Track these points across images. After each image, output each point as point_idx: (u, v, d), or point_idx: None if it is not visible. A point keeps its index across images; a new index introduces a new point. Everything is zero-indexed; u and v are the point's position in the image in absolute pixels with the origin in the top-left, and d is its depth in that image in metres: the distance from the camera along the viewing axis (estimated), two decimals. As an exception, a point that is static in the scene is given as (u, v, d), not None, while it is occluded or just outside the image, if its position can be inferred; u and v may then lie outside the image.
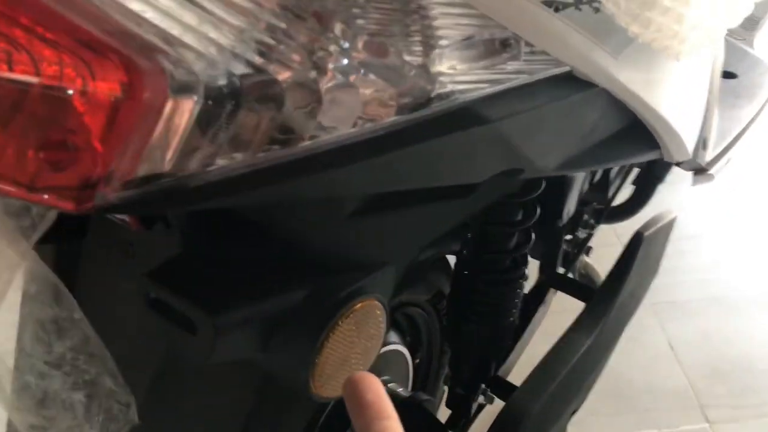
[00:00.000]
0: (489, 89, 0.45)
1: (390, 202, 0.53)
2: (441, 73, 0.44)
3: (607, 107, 0.58)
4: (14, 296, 0.49)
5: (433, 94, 0.42)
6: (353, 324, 0.52)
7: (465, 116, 0.44)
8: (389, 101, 0.40)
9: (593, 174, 1.12)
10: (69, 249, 0.63)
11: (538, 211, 0.84)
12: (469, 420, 1.05)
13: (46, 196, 0.36)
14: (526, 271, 1.09)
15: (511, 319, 0.89)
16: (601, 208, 1.31)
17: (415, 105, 0.42)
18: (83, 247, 0.62)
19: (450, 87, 0.45)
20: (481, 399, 0.98)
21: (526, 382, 0.89)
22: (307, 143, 0.39)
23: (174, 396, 0.56)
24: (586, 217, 1.27)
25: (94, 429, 0.49)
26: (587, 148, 0.62)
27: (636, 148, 0.70)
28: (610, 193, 1.31)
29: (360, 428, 0.41)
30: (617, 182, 1.30)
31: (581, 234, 1.29)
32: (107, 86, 0.34)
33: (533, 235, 0.86)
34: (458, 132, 0.44)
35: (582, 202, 1.28)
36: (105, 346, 0.52)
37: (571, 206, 1.06)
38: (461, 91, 0.43)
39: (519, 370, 1.03)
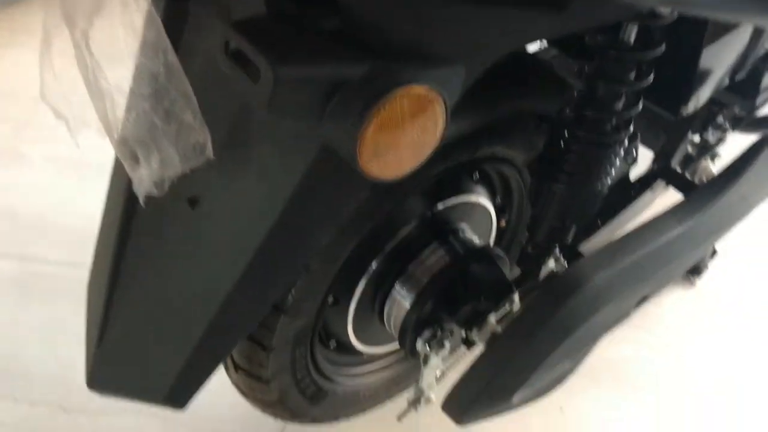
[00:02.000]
0: None
1: (469, -6, 0.52)
2: None
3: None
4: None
5: None
6: (406, 108, 0.53)
7: None
8: None
9: (735, 71, 1.02)
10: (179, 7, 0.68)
11: (652, 75, 0.79)
12: (537, 284, 1.06)
13: None
14: (635, 154, 1.05)
15: (600, 187, 0.86)
16: (742, 115, 1.20)
17: None
18: (190, 7, 0.67)
19: None
20: (552, 264, 0.98)
21: (598, 251, 0.88)
22: None
23: (243, 144, 0.60)
24: (721, 119, 1.18)
25: (170, 148, 0.54)
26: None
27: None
28: (759, 101, 1.19)
29: None
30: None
31: (711, 137, 1.20)
32: None
33: (641, 102, 0.82)
34: None
35: (719, 103, 1.18)
36: (193, 89, 0.56)
37: (701, 94, 0.98)
38: None
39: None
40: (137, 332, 0.75)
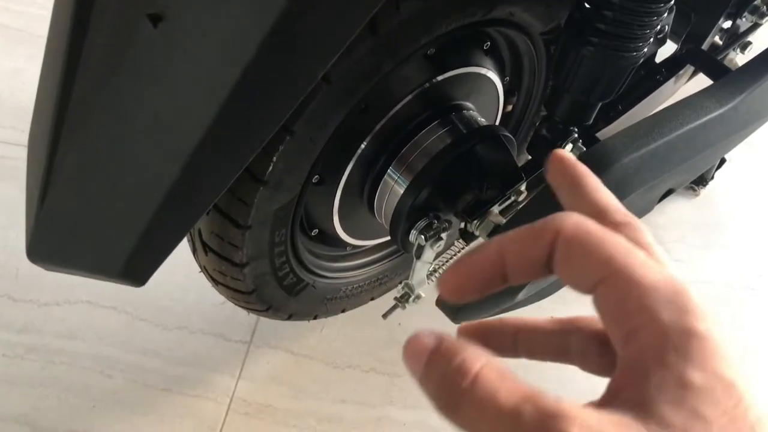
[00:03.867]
0: None
1: None
2: None
3: None
4: None
5: None
6: None
7: None
8: None
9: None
10: None
11: None
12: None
13: None
14: (666, 31, 0.92)
15: (635, 53, 0.74)
16: (779, 0, 1.08)
17: None
18: None
19: None
20: (569, 149, 0.86)
21: (627, 129, 0.76)
22: None
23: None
24: (758, 1, 1.05)
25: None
26: None
27: None
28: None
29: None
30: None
31: (743, 23, 1.08)
32: None
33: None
34: None
35: (758, -17, 1.05)
36: None
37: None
38: None
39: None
40: (86, 192, 0.62)
